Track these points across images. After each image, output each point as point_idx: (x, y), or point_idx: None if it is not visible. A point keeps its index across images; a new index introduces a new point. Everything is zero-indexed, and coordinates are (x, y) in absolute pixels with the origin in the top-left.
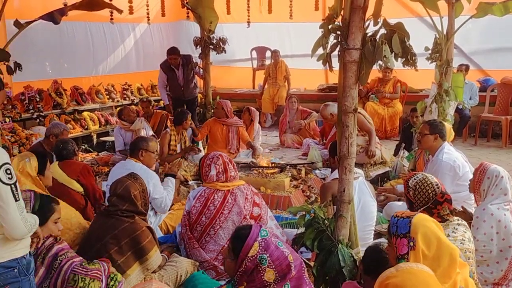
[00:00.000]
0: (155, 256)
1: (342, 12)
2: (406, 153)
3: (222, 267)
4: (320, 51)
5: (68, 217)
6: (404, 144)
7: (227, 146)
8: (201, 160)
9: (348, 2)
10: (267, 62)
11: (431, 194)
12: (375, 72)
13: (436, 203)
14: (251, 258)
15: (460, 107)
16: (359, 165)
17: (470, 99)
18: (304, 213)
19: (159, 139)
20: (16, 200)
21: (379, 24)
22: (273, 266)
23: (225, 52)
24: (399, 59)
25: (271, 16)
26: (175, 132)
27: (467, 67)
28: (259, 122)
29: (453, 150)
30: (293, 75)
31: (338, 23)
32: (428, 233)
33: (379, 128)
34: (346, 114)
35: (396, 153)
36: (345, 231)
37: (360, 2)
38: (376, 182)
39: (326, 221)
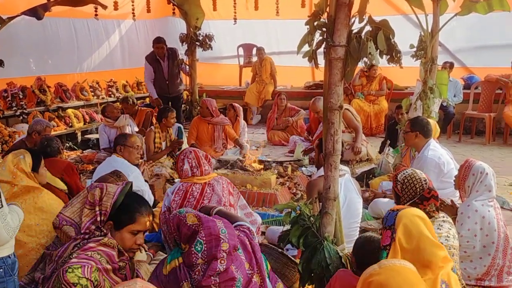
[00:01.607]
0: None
1: (327, 9)
2: (391, 150)
3: None
4: (306, 48)
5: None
6: (389, 141)
7: (213, 145)
8: (177, 156)
9: None
10: (254, 59)
11: (418, 189)
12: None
13: (422, 199)
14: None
15: (445, 104)
16: (345, 162)
17: (455, 96)
18: (290, 210)
19: (144, 137)
20: None
21: (365, 21)
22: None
23: (212, 49)
24: (384, 56)
25: (257, 13)
26: (159, 130)
27: (451, 65)
28: (246, 119)
29: (439, 147)
30: (280, 72)
31: (324, 20)
32: (409, 226)
33: (365, 125)
34: (332, 111)
35: (381, 150)
36: (330, 228)
37: None
38: (362, 179)
39: (311, 218)
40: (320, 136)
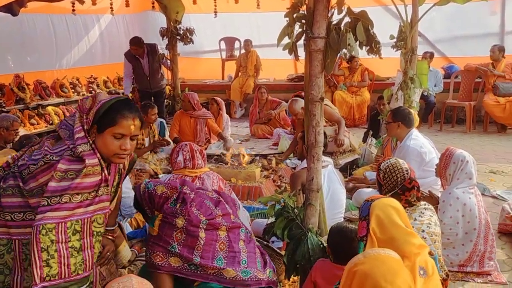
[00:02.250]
0: (124, 251)
1: (306, 1)
2: (374, 141)
3: None
4: (286, 40)
5: None
6: (371, 132)
7: (196, 139)
8: (173, 148)
9: None
10: (236, 52)
11: (399, 179)
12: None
13: (404, 189)
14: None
15: (425, 94)
16: (328, 153)
17: (435, 86)
18: (274, 203)
19: None
20: None
21: (343, 13)
22: (163, 183)
23: (193, 43)
24: (364, 47)
25: (238, 6)
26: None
27: (431, 55)
28: (229, 113)
29: (421, 136)
30: (262, 66)
31: (303, 12)
32: (381, 216)
33: (348, 116)
34: (313, 103)
35: (364, 141)
36: (314, 219)
37: None
38: (346, 169)
39: (296, 210)
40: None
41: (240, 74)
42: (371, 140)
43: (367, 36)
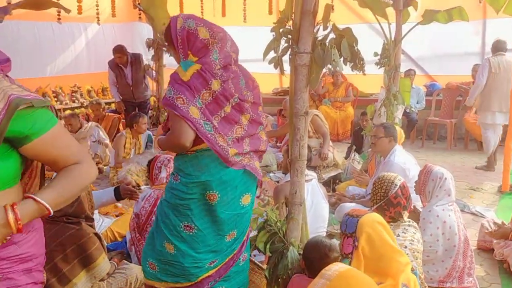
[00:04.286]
0: (103, 263)
1: (293, 16)
2: (357, 156)
3: None
4: (272, 54)
5: None
6: (354, 147)
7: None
8: (151, 163)
9: (298, 6)
10: None
11: (383, 192)
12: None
13: (389, 204)
14: (181, 28)
15: (408, 110)
16: (312, 167)
17: (417, 103)
18: (257, 216)
19: (112, 143)
20: None
21: (329, 29)
22: (202, 25)
23: None
24: (348, 63)
25: (225, 19)
26: (131, 136)
27: (414, 73)
28: None
29: (404, 152)
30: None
31: (289, 27)
32: (372, 235)
33: (332, 131)
34: (298, 116)
35: (347, 156)
36: (296, 233)
37: (310, 6)
38: (329, 184)
39: (278, 224)
40: (287, 142)
41: None
42: (354, 155)
43: (352, 53)
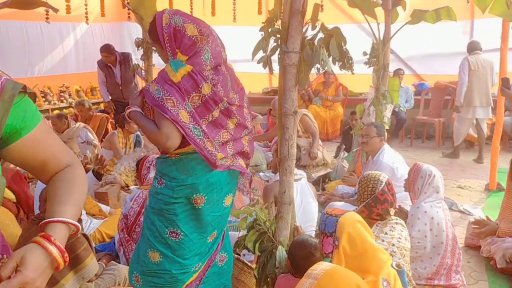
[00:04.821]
0: (91, 264)
1: (281, 16)
2: (346, 155)
3: None
4: (261, 54)
5: (3, 221)
6: (344, 146)
7: None
8: (140, 163)
9: (287, 6)
10: None
11: (370, 189)
12: (318, 76)
13: (376, 201)
14: (167, 24)
15: (396, 109)
16: (302, 166)
17: (406, 102)
18: (246, 215)
19: (102, 143)
20: None
21: (317, 29)
22: (190, 21)
23: None
24: (337, 62)
25: (215, 18)
26: (122, 135)
27: (402, 72)
28: None
29: (393, 151)
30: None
31: (278, 27)
32: (352, 233)
33: (321, 130)
34: (286, 116)
35: (337, 155)
36: (286, 232)
37: (298, 6)
38: (318, 183)
39: (267, 223)
40: (277, 141)
41: None
42: (344, 154)
43: (340, 52)
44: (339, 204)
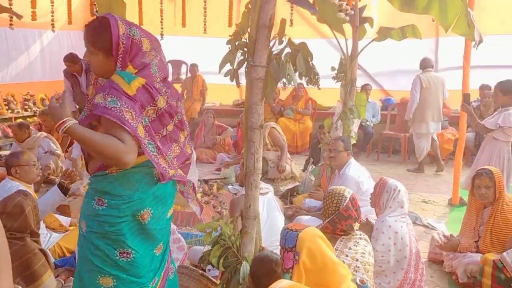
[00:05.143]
0: (48, 281)
1: (249, 30)
2: (314, 168)
3: None
4: (229, 66)
5: None
6: (312, 159)
7: None
8: None
9: (254, 20)
10: (183, 76)
11: (334, 205)
12: (288, 89)
13: (340, 217)
14: (124, 35)
15: (364, 124)
16: (270, 180)
17: (373, 117)
18: (211, 230)
19: (66, 153)
20: None
21: (284, 43)
22: (145, 35)
23: None
24: (303, 77)
25: (185, 29)
26: None
27: (370, 87)
28: None
29: (358, 165)
30: (208, 90)
31: (245, 40)
32: (312, 248)
33: (291, 143)
34: (252, 130)
35: (305, 168)
36: (250, 248)
37: (265, 20)
38: (286, 196)
39: (232, 238)
40: None
41: (185, 98)
42: (312, 168)
43: (307, 67)
44: (305, 218)
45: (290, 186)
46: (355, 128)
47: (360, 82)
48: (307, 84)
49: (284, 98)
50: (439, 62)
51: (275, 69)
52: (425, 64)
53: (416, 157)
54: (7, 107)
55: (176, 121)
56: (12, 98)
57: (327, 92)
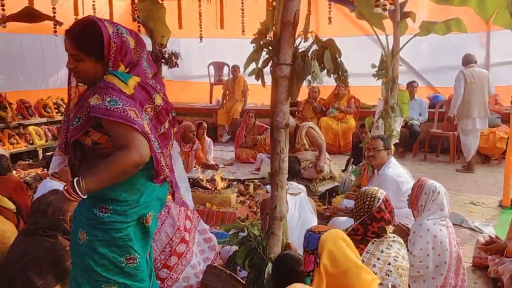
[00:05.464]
0: None
1: (274, 28)
2: (354, 169)
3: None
4: (254, 66)
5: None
6: (353, 159)
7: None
8: None
9: (278, 17)
10: (225, 77)
11: (366, 207)
12: (330, 88)
13: (372, 219)
14: (114, 34)
15: (409, 123)
16: (307, 180)
17: (420, 115)
18: (237, 230)
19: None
20: None
21: (311, 40)
22: (129, 33)
23: (178, 67)
24: (332, 75)
25: (225, 32)
26: None
27: (416, 85)
28: (216, 137)
29: (398, 165)
30: (250, 91)
31: (270, 39)
32: (334, 251)
33: (333, 143)
34: (278, 129)
35: (346, 168)
36: (277, 249)
37: (290, 17)
38: (325, 197)
39: (259, 238)
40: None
41: (227, 99)
42: (352, 168)
43: (335, 64)
44: (342, 219)
45: (329, 186)
46: (397, 126)
47: (406, 79)
48: (336, 82)
49: (326, 97)
50: (490, 57)
51: (301, 66)
52: (468, 60)
53: (465, 157)
54: (57, 111)
55: (170, 118)
56: (61, 102)
57: (371, 90)
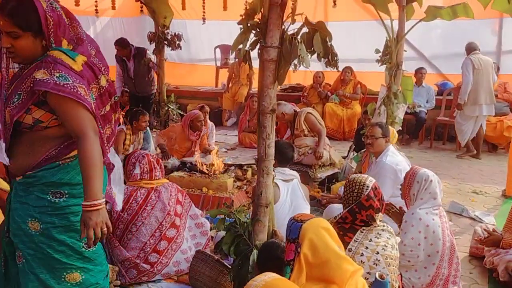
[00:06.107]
0: None
1: (262, 9)
2: (355, 155)
3: (144, 265)
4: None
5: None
6: (354, 146)
7: (187, 154)
8: (126, 158)
9: None
10: (231, 61)
11: (355, 194)
12: (336, 73)
13: (360, 207)
14: (49, 8)
15: (409, 111)
16: (307, 166)
17: (427, 102)
18: (224, 216)
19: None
20: None
21: (301, 23)
22: (60, 8)
23: (180, 49)
24: (322, 59)
25: (232, 13)
26: (131, 132)
27: (424, 71)
28: (221, 121)
29: (397, 153)
30: (255, 75)
31: (258, 20)
32: (314, 240)
33: (338, 129)
34: (264, 114)
35: (347, 155)
36: (262, 236)
37: None
38: (324, 183)
39: (245, 225)
40: (288, 139)
41: (232, 82)
42: (353, 154)
43: (325, 48)
44: (338, 207)
45: (329, 173)
46: (400, 113)
47: (415, 65)
48: (326, 67)
49: (332, 82)
50: (502, 44)
51: (288, 50)
52: (472, 48)
53: (471, 143)
54: None
55: (112, 102)
56: None
57: (378, 76)
